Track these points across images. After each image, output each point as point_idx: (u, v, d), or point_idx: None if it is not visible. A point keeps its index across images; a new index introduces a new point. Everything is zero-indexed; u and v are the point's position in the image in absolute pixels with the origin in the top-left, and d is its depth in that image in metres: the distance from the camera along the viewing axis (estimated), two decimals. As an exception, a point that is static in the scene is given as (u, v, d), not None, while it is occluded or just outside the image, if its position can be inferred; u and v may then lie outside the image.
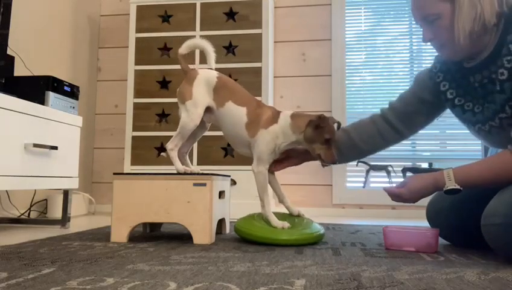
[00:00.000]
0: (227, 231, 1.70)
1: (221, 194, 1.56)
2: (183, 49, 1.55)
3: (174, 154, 1.47)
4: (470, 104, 1.30)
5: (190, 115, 1.46)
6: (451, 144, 2.92)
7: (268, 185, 1.50)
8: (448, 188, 1.21)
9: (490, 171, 1.20)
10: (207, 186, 1.40)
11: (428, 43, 1.29)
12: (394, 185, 1.40)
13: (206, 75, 1.51)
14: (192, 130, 1.48)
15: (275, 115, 1.45)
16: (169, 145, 1.47)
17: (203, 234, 1.39)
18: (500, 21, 1.19)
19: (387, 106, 1.50)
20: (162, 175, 1.44)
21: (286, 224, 1.43)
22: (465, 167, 1.24)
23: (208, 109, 1.50)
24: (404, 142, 2.98)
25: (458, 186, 1.20)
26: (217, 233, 1.51)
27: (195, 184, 1.40)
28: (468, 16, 1.16)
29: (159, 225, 1.75)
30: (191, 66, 2.62)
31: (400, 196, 1.31)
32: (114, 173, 1.47)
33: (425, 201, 1.55)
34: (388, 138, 1.47)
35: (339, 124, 1.46)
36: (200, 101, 1.47)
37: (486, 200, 1.18)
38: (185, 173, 1.44)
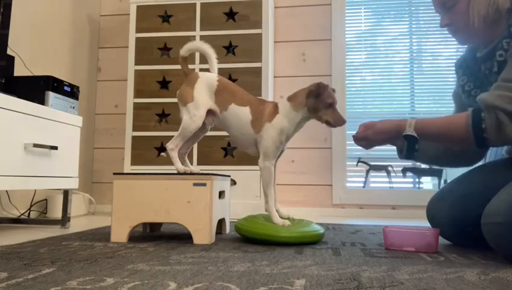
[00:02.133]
0: (227, 231, 1.70)
1: (221, 194, 1.56)
2: (184, 52, 1.55)
3: (174, 154, 1.47)
4: (477, 91, 1.35)
5: (192, 117, 1.47)
6: (451, 144, 2.92)
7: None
8: (406, 133, 1.27)
9: (448, 128, 1.24)
10: (207, 186, 1.40)
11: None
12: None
13: (207, 78, 1.52)
14: (194, 132, 1.49)
15: (275, 107, 1.49)
16: (169, 145, 1.47)
17: (203, 234, 1.39)
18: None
19: None
20: (162, 175, 1.44)
21: (287, 222, 1.44)
22: (427, 119, 1.31)
23: (210, 112, 1.51)
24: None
25: (414, 134, 1.26)
26: (217, 233, 1.51)
27: (195, 184, 1.40)
28: (483, 0, 1.23)
29: (159, 225, 1.75)
30: (191, 66, 2.63)
31: (365, 137, 1.37)
32: (114, 173, 1.47)
33: (425, 201, 1.55)
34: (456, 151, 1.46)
35: (334, 90, 1.51)
36: (201, 104, 1.48)
37: (486, 200, 1.18)
38: (185, 173, 1.44)
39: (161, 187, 1.42)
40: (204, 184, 1.40)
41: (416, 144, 1.30)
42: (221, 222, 1.65)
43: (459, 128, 1.22)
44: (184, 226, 1.40)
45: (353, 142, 1.47)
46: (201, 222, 1.39)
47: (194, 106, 1.47)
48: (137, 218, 1.43)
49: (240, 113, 1.48)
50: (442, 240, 1.47)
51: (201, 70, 2.57)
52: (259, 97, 1.56)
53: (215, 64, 1.56)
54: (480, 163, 1.52)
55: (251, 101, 1.50)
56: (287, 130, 1.46)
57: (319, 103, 1.43)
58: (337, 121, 1.45)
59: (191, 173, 1.45)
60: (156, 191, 1.42)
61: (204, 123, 1.51)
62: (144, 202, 1.42)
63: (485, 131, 1.18)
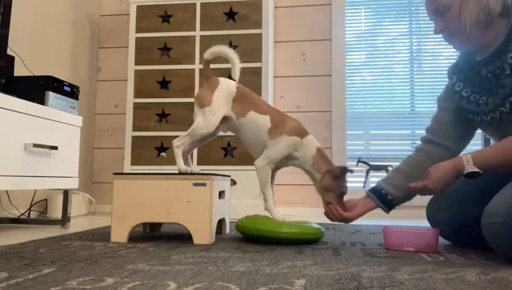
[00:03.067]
0: (227, 231, 1.70)
1: (221, 194, 1.56)
2: (208, 55, 1.55)
3: (178, 152, 1.47)
4: (476, 96, 1.34)
5: (206, 122, 1.47)
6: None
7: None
8: (468, 171, 1.23)
9: (505, 153, 1.22)
10: (207, 186, 1.40)
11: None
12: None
13: (227, 85, 1.53)
14: (204, 136, 1.49)
15: (301, 131, 1.49)
16: (176, 142, 1.47)
17: (203, 234, 1.39)
18: (510, 13, 1.24)
19: (424, 133, 1.53)
20: (162, 175, 1.44)
21: (287, 217, 1.46)
22: (481, 151, 1.27)
23: (225, 118, 1.51)
24: (404, 142, 3.00)
25: (477, 169, 1.22)
26: (217, 233, 1.51)
27: (195, 184, 1.40)
28: (474, 5, 1.23)
29: (159, 225, 1.75)
30: (191, 66, 2.63)
31: (425, 188, 1.31)
32: (114, 173, 1.47)
33: (425, 201, 1.55)
34: (437, 158, 1.44)
35: (352, 171, 1.49)
36: (218, 110, 1.48)
37: (486, 200, 1.18)
38: (185, 173, 1.44)
39: (161, 187, 1.42)
40: (204, 184, 1.40)
41: (478, 177, 1.25)
42: (221, 222, 1.65)
43: None
44: (184, 226, 1.40)
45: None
46: (201, 222, 1.39)
47: (210, 110, 1.47)
48: (137, 218, 1.43)
49: (259, 121, 1.49)
50: (442, 240, 1.47)
51: (200, 70, 2.57)
52: (283, 112, 1.57)
53: (237, 70, 1.54)
54: None
55: (271, 110, 1.52)
56: (295, 154, 1.48)
57: (335, 186, 1.45)
58: (337, 211, 1.45)
59: (191, 173, 1.45)
60: (156, 191, 1.42)
61: (216, 128, 1.51)
62: (144, 202, 1.42)
63: None
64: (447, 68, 1.50)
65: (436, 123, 1.49)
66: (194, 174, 1.44)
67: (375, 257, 1.18)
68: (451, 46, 1.39)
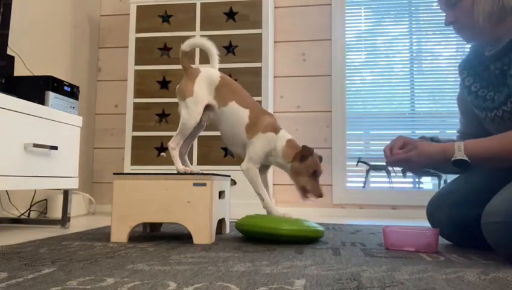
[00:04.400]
0: (227, 231, 1.70)
1: (221, 194, 1.56)
2: (185, 46, 1.56)
3: (175, 154, 1.48)
4: (484, 91, 1.33)
5: (190, 112, 1.47)
6: (451, 144, 2.92)
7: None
8: (457, 158, 1.20)
9: (499, 145, 1.19)
10: (207, 186, 1.40)
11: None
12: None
13: (208, 74, 1.53)
14: (193, 128, 1.49)
15: (276, 127, 1.50)
16: (171, 144, 1.48)
17: (203, 234, 1.39)
18: None
19: (457, 134, 1.51)
20: (162, 175, 1.44)
21: (288, 213, 1.47)
22: (476, 141, 1.23)
23: (207, 107, 1.52)
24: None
25: (466, 158, 1.18)
26: (217, 233, 1.51)
27: (195, 184, 1.40)
28: None
29: (159, 225, 1.75)
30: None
31: (408, 158, 1.28)
32: (114, 173, 1.47)
33: (425, 201, 1.55)
34: None
35: (321, 158, 1.50)
36: (200, 99, 1.49)
37: (486, 200, 1.18)
38: (185, 173, 1.44)
39: (161, 187, 1.42)
40: (204, 184, 1.40)
41: (468, 168, 1.21)
42: (221, 222, 1.65)
43: None
44: (184, 226, 1.40)
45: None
46: (201, 222, 1.39)
47: (192, 100, 1.48)
48: (137, 218, 1.43)
49: (239, 113, 1.49)
50: (442, 240, 1.47)
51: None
52: (260, 100, 1.58)
53: (216, 61, 1.56)
54: None
55: (253, 106, 1.51)
56: (272, 151, 1.49)
57: (303, 167, 1.44)
58: (315, 192, 1.45)
59: (191, 173, 1.45)
60: (156, 191, 1.42)
61: (201, 119, 1.52)
62: (144, 202, 1.42)
63: None
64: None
65: (464, 125, 1.49)
66: (194, 174, 1.44)
67: (375, 257, 1.18)
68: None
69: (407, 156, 1.28)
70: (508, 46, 1.25)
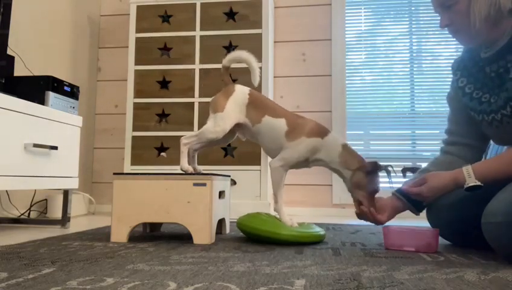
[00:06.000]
0: (227, 231, 1.70)
1: (221, 194, 1.56)
2: (226, 62, 1.54)
3: (185, 150, 1.47)
4: (479, 92, 1.33)
5: (215, 127, 1.46)
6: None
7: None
8: (470, 185, 1.21)
9: (508, 165, 1.20)
10: (207, 186, 1.40)
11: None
12: (409, 183, 1.39)
13: (241, 92, 1.51)
14: (211, 140, 1.48)
15: (321, 130, 1.44)
16: (184, 140, 1.47)
17: (203, 234, 1.39)
18: None
19: (444, 136, 1.52)
20: (162, 175, 1.44)
21: (295, 223, 1.44)
22: (483, 163, 1.25)
23: (240, 125, 1.50)
24: (404, 142, 2.99)
25: (479, 183, 1.20)
26: (217, 233, 1.51)
27: (195, 184, 1.40)
28: (484, 0, 1.19)
29: (159, 225, 1.75)
30: (191, 66, 2.63)
31: (419, 194, 1.31)
32: (114, 173, 1.47)
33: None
34: (468, 157, 1.43)
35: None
36: (230, 117, 1.47)
37: (486, 199, 1.18)
38: (186, 173, 1.44)
39: (161, 187, 1.42)
40: (204, 184, 1.40)
41: (480, 189, 1.23)
42: (221, 222, 1.65)
43: None
44: (184, 226, 1.40)
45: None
46: (201, 222, 1.39)
47: (221, 117, 1.46)
48: (137, 218, 1.43)
49: (275, 124, 1.46)
50: (442, 240, 1.47)
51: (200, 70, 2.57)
52: (297, 114, 1.54)
53: (257, 75, 1.51)
54: None
55: (286, 113, 1.48)
56: (317, 156, 1.42)
57: (367, 182, 1.37)
58: (368, 209, 1.38)
59: (191, 173, 1.45)
60: (156, 191, 1.42)
61: (227, 135, 1.50)
62: (144, 202, 1.42)
63: None
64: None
65: (454, 124, 1.48)
66: (194, 174, 1.44)
67: (375, 257, 1.18)
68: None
69: (419, 192, 1.30)
70: (505, 48, 1.24)
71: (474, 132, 1.42)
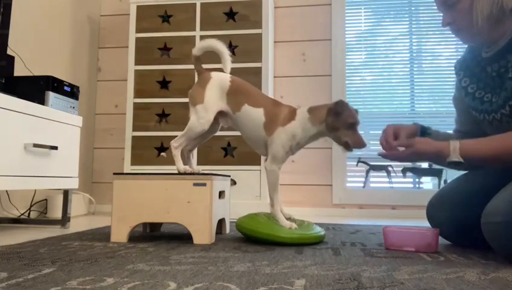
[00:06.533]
0: (227, 231, 1.70)
1: (221, 194, 1.55)
2: (196, 51, 1.52)
3: (177, 153, 1.46)
4: (481, 92, 1.33)
5: (199, 119, 1.44)
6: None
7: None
8: (452, 160, 1.21)
9: (495, 147, 1.19)
10: (207, 186, 1.40)
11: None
12: (400, 141, 1.37)
13: (219, 79, 1.49)
14: (200, 134, 1.46)
15: (292, 112, 1.43)
16: (173, 144, 1.46)
17: (203, 234, 1.39)
18: None
19: (455, 135, 1.50)
20: (162, 175, 1.44)
21: (294, 225, 1.43)
22: (472, 141, 1.23)
23: (223, 113, 1.49)
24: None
25: (461, 159, 1.19)
26: (217, 233, 1.51)
27: (195, 184, 1.40)
28: None
29: (159, 225, 1.75)
30: (191, 66, 2.62)
31: (406, 157, 1.32)
32: (114, 173, 1.47)
33: (425, 201, 1.55)
34: None
35: (356, 111, 1.41)
36: (211, 106, 1.45)
37: (486, 199, 1.18)
38: (185, 173, 1.44)
39: (161, 187, 1.42)
40: (204, 184, 1.40)
41: (461, 168, 1.22)
42: (221, 222, 1.65)
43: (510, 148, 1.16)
44: (184, 226, 1.40)
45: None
46: (201, 222, 1.39)
47: (203, 108, 1.44)
48: (137, 218, 1.43)
49: (253, 115, 1.44)
50: (442, 240, 1.47)
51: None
52: (275, 99, 1.52)
53: (228, 64, 1.50)
54: None
55: (266, 102, 1.46)
56: (299, 138, 1.41)
57: (338, 121, 1.36)
58: (357, 144, 1.37)
59: (191, 173, 1.45)
60: (156, 191, 1.42)
61: (213, 125, 1.49)
62: (144, 202, 1.42)
63: None
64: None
65: (460, 124, 1.48)
66: (194, 174, 1.44)
67: (375, 257, 1.18)
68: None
69: (404, 155, 1.31)
70: (506, 48, 1.24)
71: (480, 132, 1.42)
